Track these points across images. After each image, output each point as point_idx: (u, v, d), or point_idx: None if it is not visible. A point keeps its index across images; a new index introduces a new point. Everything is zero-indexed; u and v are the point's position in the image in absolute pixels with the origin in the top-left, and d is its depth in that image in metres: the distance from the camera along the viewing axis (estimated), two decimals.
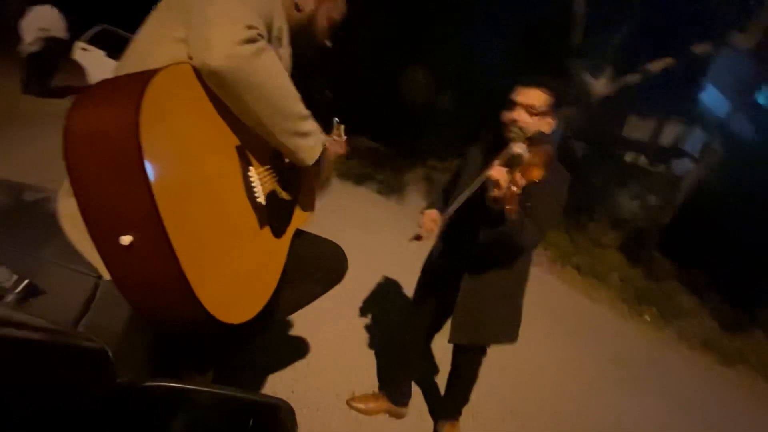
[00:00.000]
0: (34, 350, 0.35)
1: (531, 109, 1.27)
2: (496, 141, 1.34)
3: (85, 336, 0.47)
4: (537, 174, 1.09)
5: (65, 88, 5.64)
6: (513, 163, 1.11)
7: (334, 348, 2.07)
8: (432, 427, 1.79)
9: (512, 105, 1.29)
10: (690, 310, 5.61)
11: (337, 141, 1.12)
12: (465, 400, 1.70)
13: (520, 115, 1.27)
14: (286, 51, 0.89)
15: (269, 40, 0.78)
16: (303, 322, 2.08)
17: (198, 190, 0.65)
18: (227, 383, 0.64)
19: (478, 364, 1.60)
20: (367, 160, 7.98)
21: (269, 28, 0.77)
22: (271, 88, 0.71)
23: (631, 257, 6.74)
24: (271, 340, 1.89)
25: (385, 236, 4.39)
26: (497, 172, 1.08)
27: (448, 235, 1.49)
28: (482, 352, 1.58)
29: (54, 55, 5.67)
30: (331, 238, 1.23)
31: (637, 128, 11.06)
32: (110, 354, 0.46)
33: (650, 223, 7.44)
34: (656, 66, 6.58)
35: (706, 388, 3.90)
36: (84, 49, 6.61)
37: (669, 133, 10.67)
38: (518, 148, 1.15)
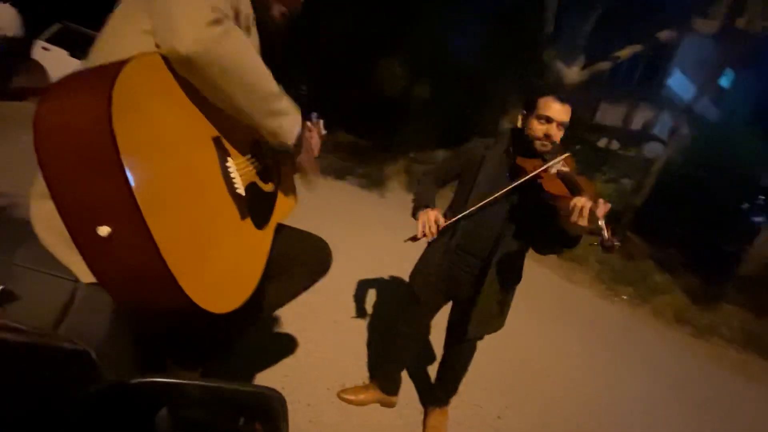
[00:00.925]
0: (13, 352, 0.35)
1: (562, 125, 1.31)
2: (519, 146, 1.37)
3: (66, 338, 0.46)
4: (598, 193, 1.13)
5: (27, 90, 5.38)
6: (567, 182, 1.16)
7: (321, 342, 2.07)
8: (421, 413, 1.82)
9: (545, 119, 1.30)
10: (664, 288, 5.85)
11: (314, 136, 1.11)
12: (455, 390, 1.74)
13: (553, 131, 1.30)
14: (255, 40, 0.87)
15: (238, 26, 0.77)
16: (290, 318, 2.08)
17: (175, 179, 0.64)
18: None
19: (472, 356, 1.65)
20: (347, 154, 7.95)
21: (236, 14, 0.76)
22: (243, 69, 0.70)
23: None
24: (258, 337, 1.88)
25: (368, 229, 4.40)
26: (582, 202, 1.08)
27: (465, 236, 1.44)
28: (476, 345, 1.62)
29: (11, 55, 5.39)
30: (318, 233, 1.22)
31: (609, 114, 11.39)
32: (94, 356, 0.45)
33: (624, 205, 7.69)
34: (625, 53, 6.76)
35: (681, 360, 4.09)
36: (45, 49, 6.30)
37: (639, 118, 11.04)
38: (562, 165, 1.22)
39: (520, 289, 1.54)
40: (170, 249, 0.58)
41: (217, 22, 0.65)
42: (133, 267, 0.58)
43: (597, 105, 11.49)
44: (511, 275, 1.46)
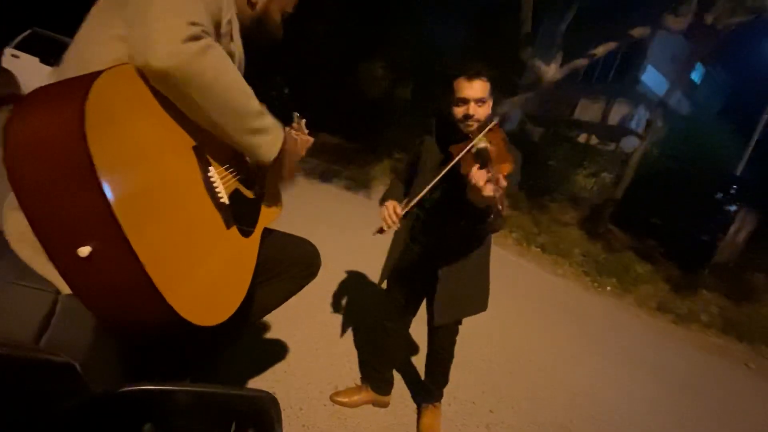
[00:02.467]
0: None
1: (480, 101, 1.32)
2: (449, 132, 1.38)
3: (48, 351, 0.45)
4: (507, 168, 1.13)
5: None
6: (481, 158, 1.14)
7: (312, 345, 2.06)
8: (415, 412, 1.83)
9: (462, 101, 1.32)
10: (645, 278, 6.02)
11: (300, 135, 1.10)
12: (445, 380, 1.75)
13: (472, 110, 1.31)
14: (237, 46, 0.86)
15: (219, 36, 0.75)
16: (279, 323, 2.06)
17: (155, 193, 0.62)
18: None
19: (453, 341, 1.67)
20: (332, 157, 7.92)
21: (217, 23, 0.74)
22: (221, 86, 0.68)
23: (590, 233, 7.13)
24: (247, 343, 1.85)
25: (355, 231, 4.39)
26: (479, 175, 1.05)
27: (417, 226, 1.51)
28: (456, 329, 1.64)
29: None
30: (302, 234, 1.22)
31: (588, 111, 11.67)
32: (77, 367, 0.44)
33: (605, 199, 7.88)
34: (600, 50, 6.93)
35: (664, 347, 4.21)
36: (14, 56, 6.10)
37: (616, 114, 11.34)
38: (482, 142, 1.20)
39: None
40: (155, 264, 0.56)
41: (194, 38, 0.63)
42: (117, 284, 0.56)
43: (576, 102, 11.76)
44: (466, 258, 1.48)
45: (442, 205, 1.41)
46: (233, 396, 0.51)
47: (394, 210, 1.31)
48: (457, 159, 1.21)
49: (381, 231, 1.32)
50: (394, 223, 1.29)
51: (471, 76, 1.30)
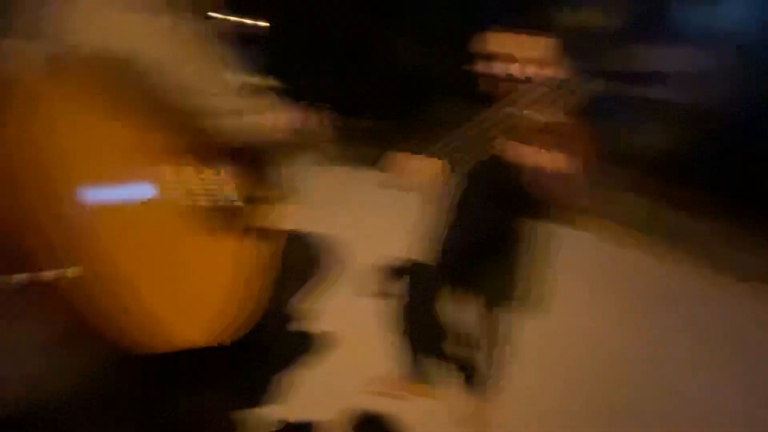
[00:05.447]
0: None
1: (528, 60, 1.20)
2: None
3: None
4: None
5: None
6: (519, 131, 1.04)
7: (350, 336, 2.03)
8: (465, 402, 1.72)
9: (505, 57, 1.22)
10: (742, 245, 5.27)
11: (276, 114, 0.96)
12: (492, 368, 1.66)
13: (514, 69, 1.21)
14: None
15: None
16: (315, 320, 2.00)
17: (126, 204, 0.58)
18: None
19: (498, 327, 1.58)
20: (367, 141, 7.83)
21: None
22: (173, 65, 0.61)
23: (664, 197, 6.41)
24: (286, 347, 1.83)
25: (395, 215, 4.28)
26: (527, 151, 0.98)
27: (456, 209, 1.47)
28: (501, 317, 1.55)
29: None
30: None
31: (653, 59, 10.46)
32: None
33: (681, 157, 7.05)
34: None
35: None
36: None
37: (687, 59, 10.03)
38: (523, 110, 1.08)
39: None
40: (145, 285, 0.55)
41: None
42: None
43: (635, 52, 10.56)
44: (496, 242, 1.38)
45: (477, 186, 1.38)
46: None
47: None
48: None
49: None
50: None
51: (516, 28, 1.15)
